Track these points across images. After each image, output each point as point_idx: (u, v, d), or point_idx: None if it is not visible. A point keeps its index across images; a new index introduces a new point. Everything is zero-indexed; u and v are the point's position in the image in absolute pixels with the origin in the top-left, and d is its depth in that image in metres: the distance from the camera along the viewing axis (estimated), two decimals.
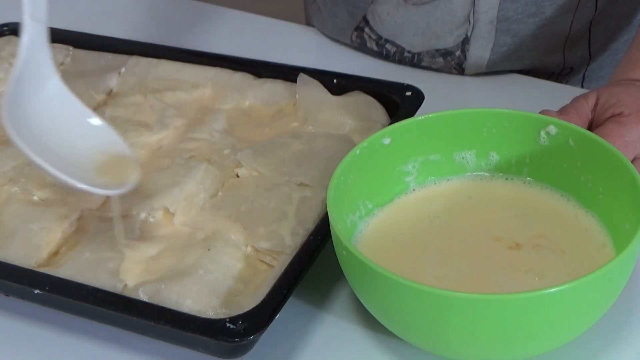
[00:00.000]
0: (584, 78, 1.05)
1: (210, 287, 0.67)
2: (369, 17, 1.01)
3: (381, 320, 0.65)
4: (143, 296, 0.67)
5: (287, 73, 0.89)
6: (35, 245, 0.72)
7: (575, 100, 0.77)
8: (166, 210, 0.75)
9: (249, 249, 0.71)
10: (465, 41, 0.97)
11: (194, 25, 1.15)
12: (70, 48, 0.97)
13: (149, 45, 0.96)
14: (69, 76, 0.94)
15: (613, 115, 0.74)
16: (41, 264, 0.72)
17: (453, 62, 0.99)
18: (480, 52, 0.98)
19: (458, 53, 0.98)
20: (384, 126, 0.82)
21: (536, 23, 0.96)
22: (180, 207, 0.75)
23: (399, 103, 0.84)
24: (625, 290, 0.64)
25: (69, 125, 0.72)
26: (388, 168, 0.73)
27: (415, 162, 0.74)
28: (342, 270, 0.65)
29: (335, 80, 0.87)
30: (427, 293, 0.57)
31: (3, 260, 0.70)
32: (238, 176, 0.79)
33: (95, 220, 0.75)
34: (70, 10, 1.16)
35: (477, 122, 0.73)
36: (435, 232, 0.71)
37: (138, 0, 1.20)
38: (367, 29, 1.02)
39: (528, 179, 0.74)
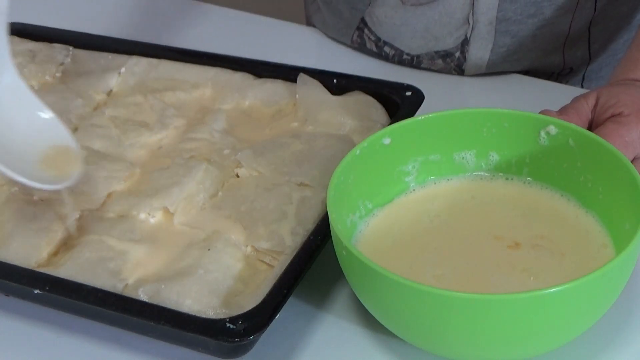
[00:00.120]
0: (583, 78, 1.05)
1: (210, 287, 0.67)
2: (367, 19, 1.01)
3: (381, 320, 0.65)
4: (143, 296, 0.67)
5: (287, 73, 0.89)
6: (35, 245, 0.72)
7: (575, 100, 0.77)
8: (166, 210, 0.75)
9: (249, 249, 0.71)
10: (465, 42, 0.97)
11: (194, 25, 1.15)
12: (70, 48, 0.97)
13: (149, 45, 0.97)
14: (69, 76, 0.94)
15: (613, 115, 0.74)
16: (41, 264, 0.72)
17: (452, 64, 0.99)
18: (479, 53, 0.98)
19: (457, 54, 0.98)
20: (384, 126, 0.82)
21: (535, 24, 0.96)
22: (180, 207, 0.75)
23: (399, 103, 0.84)
24: (625, 290, 0.64)
25: (19, 118, 0.72)
26: (388, 168, 0.73)
27: (415, 162, 0.74)
28: (342, 270, 0.65)
29: (335, 80, 0.87)
30: (427, 293, 0.57)
31: (3, 260, 0.71)
32: (238, 176, 0.79)
33: (95, 220, 0.75)
34: (70, 10, 1.16)
35: (477, 122, 0.73)
36: (435, 231, 0.71)
37: (138, 0, 1.20)
38: (366, 30, 1.02)
39: (528, 178, 0.74)
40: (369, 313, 0.66)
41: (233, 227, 0.73)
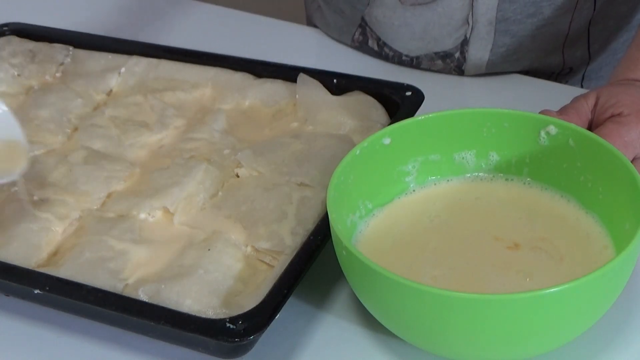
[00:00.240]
0: (583, 78, 1.05)
1: (210, 287, 0.67)
2: (367, 19, 1.01)
3: (381, 320, 0.65)
4: (143, 296, 0.67)
5: (287, 73, 0.89)
6: (35, 245, 0.72)
7: (575, 100, 0.77)
8: (166, 210, 0.75)
9: (249, 249, 0.71)
10: (464, 43, 0.97)
11: (194, 25, 1.15)
12: (70, 48, 0.97)
13: (149, 45, 0.97)
14: (69, 76, 0.94)
15: (613, 115, 0.74)
16: (41, 264, 0.72)
17: (452, 64, 0.99)
18: (479, 53, 0.98)
19: (457, 55, 0.98)
20: (384, 126, 0.82)
21: (535, 23, 0.96)
22: (180, 207, 0.75)
23: (399, 103, 0.84)
24: (625, 290, 0.64)
25: None
26: (388, 168, 0.73)
27: (415, 162, 0.74)
28: (342, 270, 0.65)
29: (335, 80, 0.87)
30: (427, 293, 0.57)
31: (3, 260, 0.70)
32: (238, 176, 0.79)
33: (95, 220, 0.75)
34: (70, 10, 1.16)
35: (477, 122, 0.73)
36: (434, 232, 0.71)
37: (138, 0, 1.20)
38: (367, 29, 1.02)
39: (528, 179, 0.74)
40: (369, 313, 0.66)
41: (233, 227, 0.73)
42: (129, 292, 0.67)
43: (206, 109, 0.88)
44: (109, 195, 0.78)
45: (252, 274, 0.69)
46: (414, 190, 0.75)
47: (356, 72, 0.89)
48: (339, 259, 0.65)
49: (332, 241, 0.65)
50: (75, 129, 0.87)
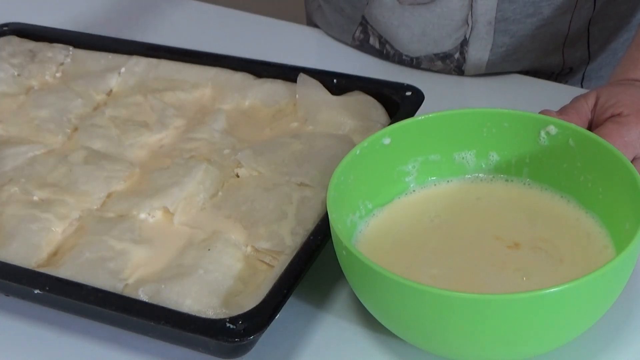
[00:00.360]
0: (583, 78, 1.05)
1: (210, 287, 0.67)
2: (367, 18, 1.01)
3: (381, 320, 0.65)
4: (143, 296, 0.67)
5: (287, 73, 0.89)
6: (35, 245, 0.72)
7: (575, 100, 0.77)
8: (166, 210, 0.75)
9: (249, 249, 0.71)
10: (464, 43, 0.97)
11: (194, 25, 1.15)
12: (70, 48, 0.97)
13: (149, 45, 0.97)
14: (69, 76, 0.94)
15: (613, 116, 0.74)
16: (41, 264, 0.72)
17: (452, 65, 0.99)
18: (479, 53, 0.98)
19: (457, 55, 0.98)
20: (384, 126, 0.82)
21: (534, 23, 0.96)
22: (180, 207, 0.75)
23: (399, 103, 0.84)
24: (625, 290, 0.64)
25: None
26: (388, 168, 0.73)
27: (415, 162, 0.74)
28: (342, 270, 0.65)
29: (335, 80, 0.87)
30: (427, 293, 0.57)
31: (3, 260, 0.70)
32: (238, 176, 0.79)
33: (95, 220, 0.75)
34: (70, 10, 1.16)
35: (477, 122, 0.73)
36: (434, 231, 0.70)
37: (138, 0, 1.20)
38: (369, 27, 1.02)
39: (528, 180, 0.74)
40: (369, 313, 0.66)
41: (233, 227, 0.73)
42: (129, 292, 0.67)
43: (206, 109, 0.88)
44: (109, 195, 0.78)
45: (252, 274, 0.69)
46: (414, 190, 0.75)
47: (356, 72, 0.89)
48: (339, 259, 0.65)
49: (332, 241, 0.65)
50: (75, 129, 0.87)
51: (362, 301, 0.65)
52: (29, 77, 0.94)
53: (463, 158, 0.75)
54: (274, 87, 0.89)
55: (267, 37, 1.10)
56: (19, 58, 0.95)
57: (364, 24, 1.02)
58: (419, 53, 1.00)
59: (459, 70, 1.00)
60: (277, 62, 0.91)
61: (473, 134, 0.74)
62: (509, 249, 0.68)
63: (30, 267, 0.70)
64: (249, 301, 0.64)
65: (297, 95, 0.87)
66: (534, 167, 0.73)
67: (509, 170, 0.74)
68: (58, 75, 0.95)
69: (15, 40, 0.99)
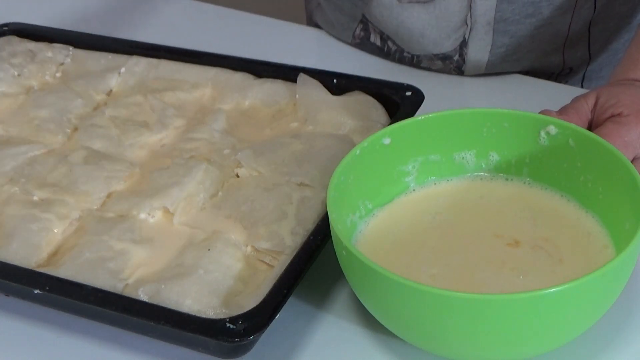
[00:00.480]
0: (583, 78, 1.05)
1: (210, 287, 0.67)
2: (367, 16, 1.01)
3: (381, 320, 0.65)
4: (143, 296, 0.67)
5: (287, 73, 0.89)
6: (35, 245, 0.72)
7: (575, 100, 0.77)
8: (166, 210, 0.75)
9: (249, 249, 0.71)
10: (463, 44, 0.97)
11: (194, 25, 1.15)
12: (70, 48, 0.97)
13: (149, 45, 0.97)
14: (69, 76, 0.94)
15: (613, 116, 0.74)
16: (41, 264, 0.72)
17: (452, 65, 0.99)
18: (478, 54, 0.98)
19: (456, 57, 0.98)
20: (384, 126, 0.82)
21: (534, 24, 0.96)
22: (180, 207, 0.75)
23: (399, 103, 0.84)
24: (625, 290, 0.64)
25: None
26: (388, 168, 0.73)
27: (415, 162, 0.74)
28: (342, 270, 0.65)
29: (335, 80, 0.87)
30: (427, 293, 0.57)
31: (3, 260, 0.70)
32: (238, 176, 0.79)
33: (95, 220, 0.75)
34: (70, 10, 1.16)
35: (477, 122, 0.73)
36: (435, 231, 0.70)
37: (138, 0, 1.20)
38: (369, 24, 1.02)
39: (528, 179, 0.74)
40: (369, 313, 0.66)
41: (233, 227, 0.73)
42: (129, 292, 0.67)
43: (206, 109, 0.88)
44: (109, 195, 0.78)
45: (252, 274, 0.69)
46: (414, 190, 0.75)
47: (356, 72, 0.89)
48: (339, 259, 0.65)
49: (332, 241, 0.65)
50: (75, 129, 0.87)
51: (362, 301, 0.65)
52: (29, 77, 0.94)
53: (463, 158, 0.75)
54: (274, 87, 0.89)
55: (267, 37, 1.10)
56: (19, 58, 0.95)
57: (365, 21, 1.02)
58: (419, 52, 1.00)
59: (459, 70, 1.00)
60: (277, 62, 0.91)
61: (473, 134, 0.74)
62: (509, 246, 0.68)
63: (30, 267, 0.70)
64: (249, 301, 0.64)
65: (297, 95, 0.87)
66: (534, 167, 0.73)
67: (509, 170, 0.74)
68: (58, 75, 0.95)
69: (15, 40, 0.99)
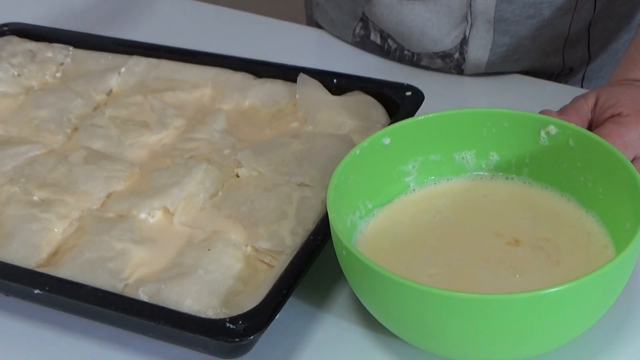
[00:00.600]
0: (583, 78, 1.05)
1: (210, 287, 0.67)
2: (367, 14, 1.02)
3: (381, 320, 0.65)
4: (143, 296, 0.67)
5: (287, 73, 0.89)
6: (35, 245, 0.72)
7: (575, 100, 0.77)
8: (166, 210, 0.75)
9: (249, 249, 0.71)
10: (464, 42, 0.97)
11: (194, 25, 1.15)
12: (70, 48, 0.97)
13: (149, 45, 0.96)
14: (69, 76, 0.94)
15: (612, 116, 0.74)
16: (41, 264, 0.72)
17: (452, 64, 0.99)
18: (479, 53, 0.98)
19: (457, 55, 0.98)
20: (384, 126, 0.82)
21: (534, 24, 0.96)
22: (180, 207, 0.75)
23: (399, 103, 0.84)
24: (625, 290, 0.64)
25: None
26: (388, 168, 0.73)
27: (415, 162, 0.74)
28: (342, 270, 0.65)
29: (335, 80, 0.87)
30: (427, 293, 0.57)
31: (3, 260, 0.70)
32: (238, 176, 0.79)
33: (95, 220, 0.75)
34: (70, 10, 1.16)
35: (477, 122, 0.73)
36: (435, 230, 0.70)
37: (138, 0, 1.20)
38: (370, 22, 1.02)
39: (528, 179, 0.74)
40: (369, 313, 0.66)
41: (233, 227, 0.73)
42: (129, 292, 0.67)
43: (206, 109, 0.88)
44: (109, 195, 0.78)
45: (252, 274, 0.69)
46: (414, 190, 0.75)
47: (357, 71, 0.89)
48: (339, 259, 0.65)
49: (332, 241, 0.65)
50: (75, 129, 0.87)
51: (362, 301, 0.65)
52: (29, 77, 0.94)
53: (463, 158, 0.75)
54: (274, 87, 0.89)
55: (267, 37, 1.10)
56: (19, 58, 0.95)
57: (365, 19, 1.02)
58: (419, 50, 1.00)
59: (459, 69, 1.00)
60: (277, 62, 0.91)
61: (473, 134, 0.74)
62: (508, 245, 0.68)
63: (30, 267, 0.70)
64: (249, 301, 0.64)
65: (297, 95, 0.87)
66: (534, 167, 0.73)
67: (509, 170, 0.74)
68: (58, 75, 0.95)
69: (15, 40, 0.99)
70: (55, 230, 0.74)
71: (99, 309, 0.65)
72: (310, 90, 0.86)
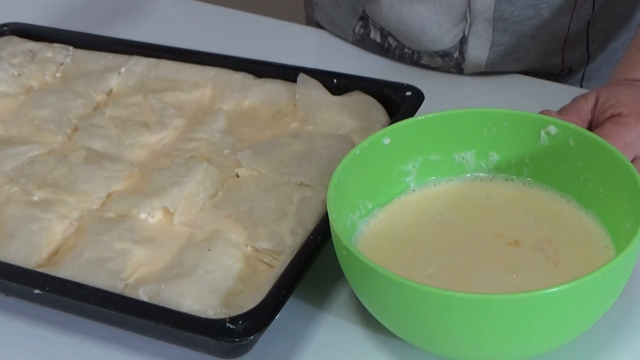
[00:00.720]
0: (583, 78, 1.05)
1: (210, 287, 0.67)
2: (367, 13, 1.02)
3: (381, 320, 0.65)
4: (143, 296, 0.67)
5: (287, 73, 0.89)
6: (35, 245, 0.72)
7: (575, 100, 0.77)
8: (166, 210, 0.75)
9: (249, 249, 0.71)
10: (463, 41, 0.97)
11: (194, 25, 1.15)
12: (70, 48, 0.97)
13: (149, 45, 0.96)
14: (69, 76, 0.94)
15: (612, 116, 0.74)
16: (41, 264, 0.72)
17: (452, 63, 0.99)
18: (478, 52, 0.98)
19: (456, 54, 0.98)
20: (384, 126, 0.82)
21: (534, 25, 0.96)
22: (180, 207, 0.75)
23: (399, 103, 0.84)
24: (625, 290, 0.64)
25: None
26: (388, 168, 0.73)
27: (415, 162, 0.74)
28: (342, 270, 0.65)
29: (335, 80, 0.87)
30: (427, 293, 0.57)
31: (3, 260, 0.70)
32: (238, 176, 0.79)
33: (95, 220, 0.75)
34: (70, 10, 1.16)
35: (477, 122, 0.73)
36: (435, 230, 0.71)
37: (138, 0, 1.20)
38: (370, 20, 1.02)
39: (528, 179, 0.74)
40: (369, 313, 0.66)
41: (233, 227, 0.73)
42: (129, 292, 0.67)
43: (206, 109, 0.88)
44: (109, 195, 0.78)
45: (252, 274, 0.69)
46: (414, 190, 0.75)
47: (357, 71, 0.89)
48: (339, 259, 0.65)
49: (332, 241, 0.65)
50: (75, 129, 0.87)
51: (362, 301, 0.65)
52: (29, 77, 0.94)
53: (463, 158, 0.75)
54: (274, 87, 0.89)
55: (267, 37, 1.10)
56: (19, 58, 0.95)
57: (365, 18, 1.02)
58: (419, 48, 1.00)
59: (459, 68, 1.00)
60: (277, 62, 0.91)
61: (473, 134, 0.74)
62: (508, 245, 0.68)
63: (30, 267, 0.70)
64: (249, 301, 0.64)
65: (297, 95, 0.87)
66: (534, 167, 0.73)
67: (509, 170, 0.74)
68: (58, 75, 0.95)
69: (15, 40, 0.99)
70: (55, 230, 0.74)
71: (99, 309, 0.65)
72: (310, 90, 0.86)
